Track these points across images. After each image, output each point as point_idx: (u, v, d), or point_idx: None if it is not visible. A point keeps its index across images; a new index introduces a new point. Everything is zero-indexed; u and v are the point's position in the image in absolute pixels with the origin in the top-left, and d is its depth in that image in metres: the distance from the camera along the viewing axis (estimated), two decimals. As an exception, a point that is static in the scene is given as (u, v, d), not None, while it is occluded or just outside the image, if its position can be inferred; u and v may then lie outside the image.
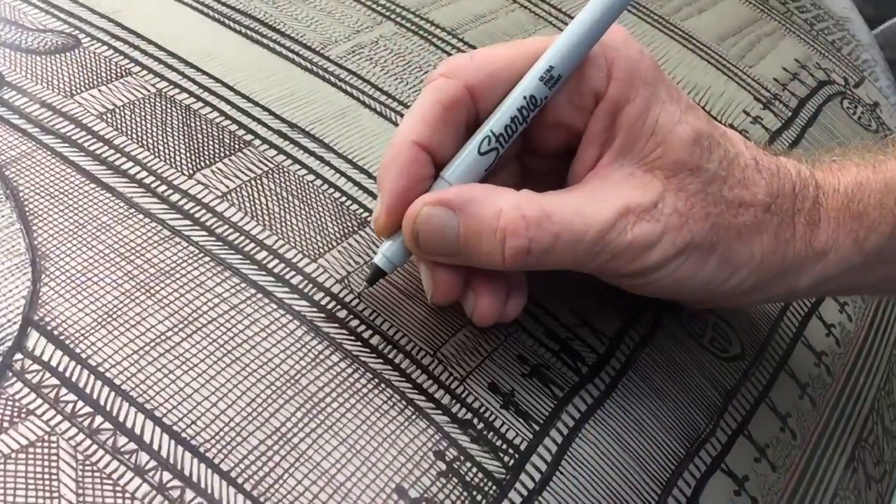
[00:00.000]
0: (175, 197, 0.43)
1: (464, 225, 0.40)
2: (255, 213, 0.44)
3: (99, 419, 0.34)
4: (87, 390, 0.35)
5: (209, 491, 0.33)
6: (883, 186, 0.45)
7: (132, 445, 0.34)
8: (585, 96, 0.43)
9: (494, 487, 0.37)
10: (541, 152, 0.45)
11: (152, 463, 0.33)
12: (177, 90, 0.48)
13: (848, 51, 0.79)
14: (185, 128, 0.47)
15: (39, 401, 0.34)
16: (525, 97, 0.41)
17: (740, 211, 0.43)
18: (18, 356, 0.35)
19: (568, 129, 0.44)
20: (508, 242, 0.40)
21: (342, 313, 0.41)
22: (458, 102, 0.42)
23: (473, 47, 0.57)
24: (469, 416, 0.39)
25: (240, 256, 0.41)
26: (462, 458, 0.38)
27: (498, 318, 0.42)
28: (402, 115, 0.52)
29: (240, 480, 0.34)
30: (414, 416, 0.38)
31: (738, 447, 0.46)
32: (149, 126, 0.46)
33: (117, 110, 0.46)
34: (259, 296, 0.40)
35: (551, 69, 0.41)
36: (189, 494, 0.33)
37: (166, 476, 0.33)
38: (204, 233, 0.42)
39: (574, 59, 0.41)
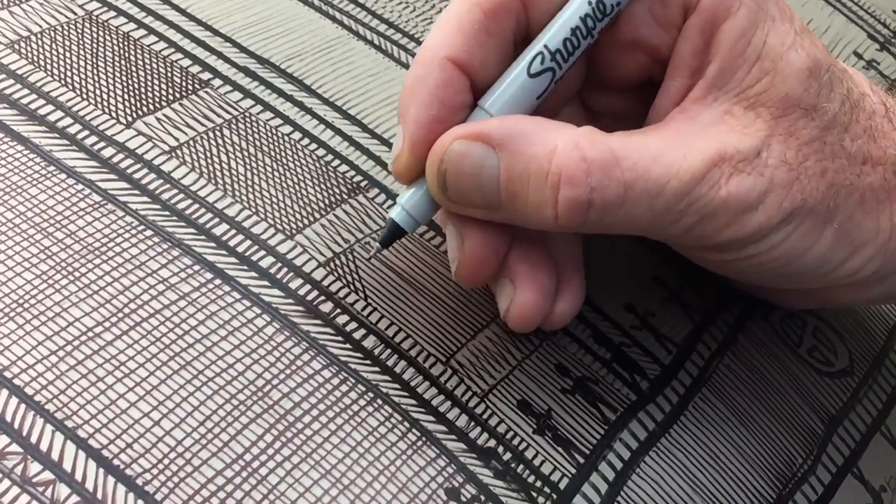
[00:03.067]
0: (108, 152, 0.44)
1: (506, 166, 0.41)
2: (212, 175, 0.44)
3: (4, 439, 0.35)
4: None
5: None
6: None
7: (48, 475, 0.34)
8: (672, 6, 0.44)
9: (526, 539, 0.38)
10: (612, 85, 0.46)
11: (74, 498, 0.34)
12: (112, 13, 0.49)
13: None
14: (123, 62, 0.47)
15: None
16: (591, 2, 0.42)
17: (865, 169, 0.44)
18: None
19: (648, 51, 0.44)
20: (563, 191, 0.40)
21: (326, 306, 0.42)
22: (504, 7, 0.43)
23: None
24: (493, 443, 0.40)
25: (192, 230, 0.42)
26: (483, 497, 0.38)
27: (540, 322, 0.43)
28: (405, 51, 0.53)
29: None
30: (419, 443, 0.39)
31: (844, 489, 0.47)
32: (74, 59, 0.47)
33: (33, 37, 0.47)
34: (217, 282, 0.41)
35: None
36: None
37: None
38: (146, 198, 0.43)
39: None
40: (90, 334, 0.37)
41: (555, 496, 0.39)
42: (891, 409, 0.50)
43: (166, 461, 0.35)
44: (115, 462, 0.35)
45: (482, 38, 0.43)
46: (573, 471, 0.40)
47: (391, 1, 0.55)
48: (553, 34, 0.42)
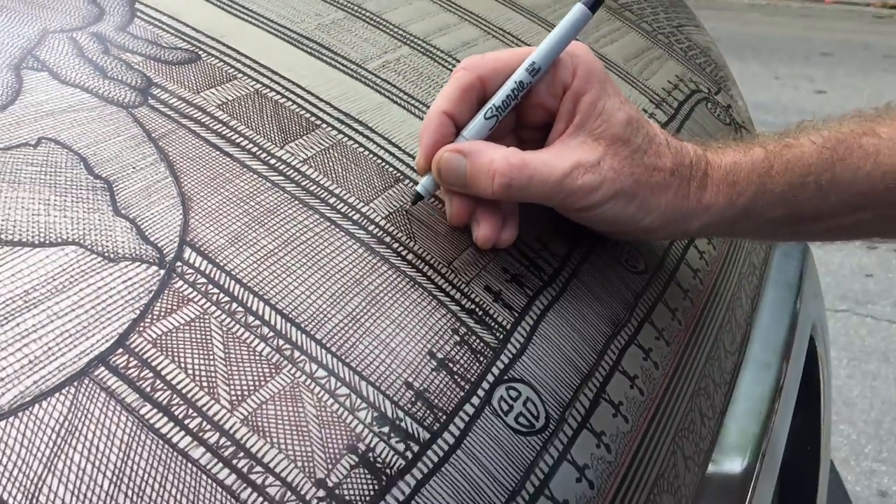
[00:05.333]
0: (272, 161, 0.44)
1: (469, 165, 0.43)
2: (326, 171, 0.45)
3: (234, 305, 0.36)
4: (226, 286, 0.37)
5: (310, 353, 0.35)
6: (750, 165, 0.46)
7: (257, 322, 0.36)
8: (557, 87, 0.45)
9: (490, 353, 0.40)
10: (527, 125, 0.47)
11: (271, 334, 0.35)
12: (267, 89, 0.49)
13: (710, 69, 0.80)
14: (275, 114, 0.47)
15: (195, 293, 0.36)
16: (516, 81, 0.44)
17: (654, 173, 0.45)
18: (179, 264, 0.37)
19: (545, 109, 0.45)
20: (497, 179, 0.42)
21: (387, 239, 0.43)
22: (472, 87, 0.44)
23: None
24: (472, 306, 0.41)
25: (317, 200, 0.43)
26: (469, 333, 0.40)
27: (494, 243, 0.44)
28: (419, 109, 0.53)
29: (328, 345, 0.36)
30: (437, 306, 0.40)
31: (645, 330, 0.48)
32: (250, 112, 0.47)
33: (229, 102, 0.47)
34: (332, 228, 0.42)
35: (534, 64, 0.43)
36: (297, 354, 0.35)
37: (281, 342, 0.35)
38: (293, 185, 0.43)
39: (550, 58, 0.43)
40: (271, 253, 0.39)
41: (504, 332, 0.41)
42: (666, 291, 0.51)
43: (315, 315, 0.37)
44: (290, 315, 0.36)
45: (460, 102, 0.44)
46: (513, 320, 0.41)
47: (409, 83, 0.54)
48: (497, 98, 0.44)
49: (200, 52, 0.50)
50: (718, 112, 0.73)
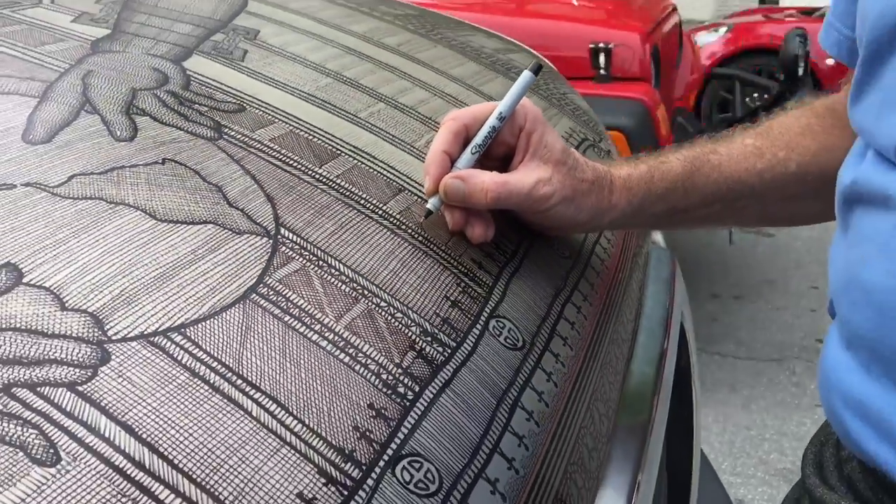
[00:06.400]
0: (317, 176, 0.61)
1: (467, 187, 0.59)
2: (353, 183, 0.62)
3: (319, 261, 0.53)
4: (311, 251, 0.53)
5: (372, 290, 0.52)
6: (639, 176, 0.66)
7: (336, 272, 0.53)
8: (515, 129, 0.63)
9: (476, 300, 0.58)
10: (491, 157, 0.63)
11: (347, 279, 0.52)
12: (298, 129, 0.65)
13: (592, 125, 1.02)
14: (308, 146, 0.64)
15: (294, 254, 0.52)
16: (491, 126, 0.61)
17: (582, 184, 0.63)
18: (279, 236, 0.53)
19: (506, 145, 0.63)
20: (489, 194, 0.59)
21: (402, 227, 0.60)
22: (460, 132, 0.61)
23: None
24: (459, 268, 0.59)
25: (352, 201, 0.60)
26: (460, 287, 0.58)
27: (482, 239, 0.60)
28: (402, 144, 0.70)
29: (384, 287, 0.53)
30: (440, 268, 0.58)
31: (574, 296, 0.67)
32: (293, 144, 0.63)
33: (277, 138, 0.64)
34: (367, 219, 0.59)
35: (502, 113, 0.62)
36: (365, 291, 0.52)
37: (353, 284, 0.52)
38: (335, 191, 0.60)
39: (511, 109, 0.62)
40: (353, 234, 0.56)
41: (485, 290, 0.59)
42: (585, 272, 0.71)
43: (375, 269, 0.54)
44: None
45: (453, 143, 0.61)
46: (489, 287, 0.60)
47: (393, 123, 0.73)
48: (478, 138, 0.61)
49: (244, 105, 0.67)
50: (602, 154, 0.95)
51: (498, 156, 0.63)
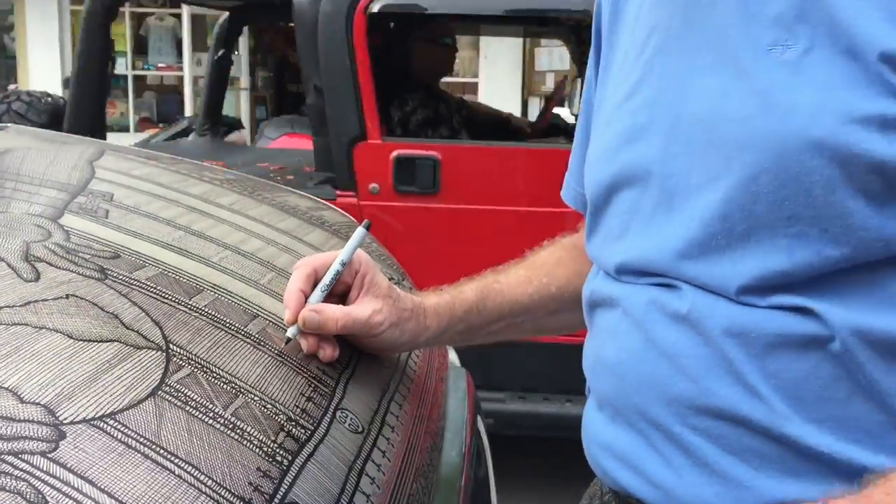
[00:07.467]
0: (190, 307, 0.76)
1: (321, 318, 0.75)
2: (219, 311, 0.77)
3: (201, 368, 0.67)
4: (194, 361, 0.68)
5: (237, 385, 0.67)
6: (445, 304, 0.84)
7: (215, 376, 0.67)
8: (353, 271, 0.79)
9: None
10: (332, 294, 0.79)
11: (224, 381, 0.67)
12: (167, 271, 0.81)
13: (395, 267, 1.22)
14: (178, 283, 0.79)
15: (183, 362, 0.67)
16: (335, 270, 0.78)
17: (404, 312, 0.80)
18: (170, 349, 0.67)
19: (346, 284, 0.80)
20: (338, 323, 0.76)
21: (260, 344, 0.75)
22: (311, 275, 0.77)
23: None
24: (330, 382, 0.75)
25: (222, 324, 0.75)
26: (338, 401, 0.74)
27: (331, 358, 0.75)
28: (251, 284, 0.86)
29: (239, 378, 0.68)
30: (294, 373, 0.74)
31: (399, 392, 0.84)
32: (164, 283, 0.78)
33: (151, 277, 0.78)
34: (234, 337, 0.74)
35: (343, 261, 0.78)
36: (237, 386, 0.67)
37: (223, 380, 0.67)
38: (207, 318, 0.75)
39: (349, 258, 0.79)
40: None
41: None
42: (403, 374, 0.88)
43: None
44: None
45: (307, 283, 0.75)
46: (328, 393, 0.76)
47: (239, 265, 0.88)
48: (326, 279, 0.75)
49: (119, 253, 0.81)
50: (406, 289, 1.15)
51: (339, 293, 0.78)
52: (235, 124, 4.50)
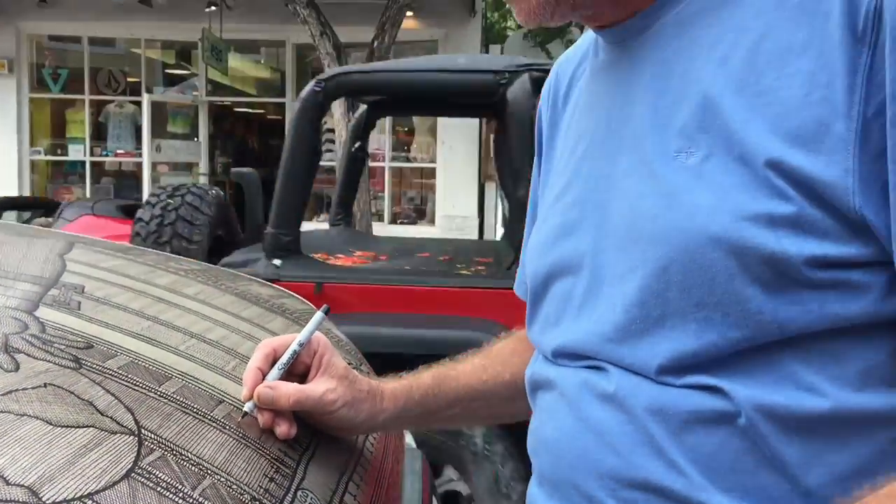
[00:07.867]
0: (162, 395, 0.81)
1: (275, 393, 0.81)
2: (187, 398, 0.82)
3: (172, 452, 0.72)
4: (166, 444, 0.73)
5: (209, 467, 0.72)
6: (402, 388, 0.89)
7: (182, 458, 0.72)
8: (310, 352, 0.85)
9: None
10: (292, 374, 0.85)
11: (186, 459, 0.72)
12: (138, 359, 0.86)
13: (353, 352, 1.28)
14: (147, 371, 0.84)
15: (155, 446, 0.72)
16: (293, 350, 0.84)
17: (360, 392, 0.85)
18: (142, 434, 0.72)
19: (304, 364, 0.86)
20: (291, 399, 0.81)
21: (226, 428, 0.80)
22: (270, 354, 0.83)
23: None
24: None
25: (191, 409, 0.80)
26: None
27: (287, 435, 0.81)
28: (216, 370, 0.92)
29: (208, 462, 0.73)
30: (258, 455, 0.79)
31: (356, 474, 0.89)
32: (136, 371, 0.83)
33: (123, 366, 0.83)
34: (201, 422, 0.79)
35: (300, 342, 0.85)
36: (205, 467, 0.72)
37: (186, 461, 0.72)
38: (176, 403, 0.80)
39: (307, 339, 0.86)
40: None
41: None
42: (361, 455, 0.93)
43: None
44: None
45: (265, 362, 0.81)
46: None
47: (205, 353, 0.93)
48: (284, 359, 0.81)
49: (92, 343, 0.86)
50: (363, 373, 1.20)
51: (298, 373, 0.84)
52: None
